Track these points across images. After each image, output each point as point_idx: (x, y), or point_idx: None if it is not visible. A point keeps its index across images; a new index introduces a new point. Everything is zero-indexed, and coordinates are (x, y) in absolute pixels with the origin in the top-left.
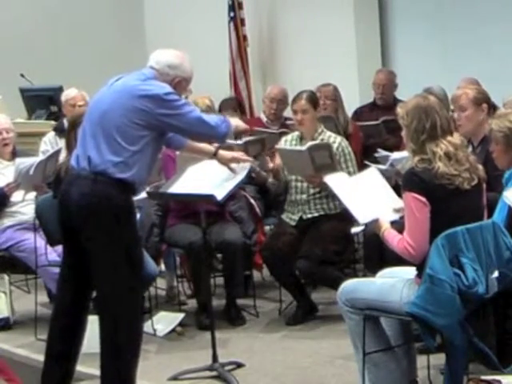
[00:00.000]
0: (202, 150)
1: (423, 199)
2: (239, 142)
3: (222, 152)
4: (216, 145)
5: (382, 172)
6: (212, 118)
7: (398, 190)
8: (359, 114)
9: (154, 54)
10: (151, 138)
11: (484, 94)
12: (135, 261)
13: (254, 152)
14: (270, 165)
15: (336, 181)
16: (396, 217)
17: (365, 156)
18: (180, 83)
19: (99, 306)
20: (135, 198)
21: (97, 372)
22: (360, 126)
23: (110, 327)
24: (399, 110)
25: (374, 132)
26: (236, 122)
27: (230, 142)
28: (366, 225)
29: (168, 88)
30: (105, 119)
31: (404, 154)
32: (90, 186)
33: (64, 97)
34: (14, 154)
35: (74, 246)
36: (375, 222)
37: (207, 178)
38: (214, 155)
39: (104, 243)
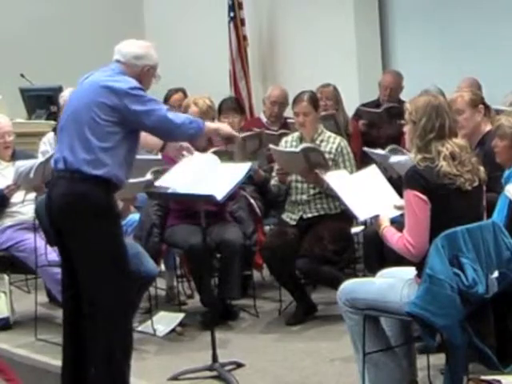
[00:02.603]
0: (150, 144)
1: (424, 198)
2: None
3: (169, 144)
4: (161, 143)
5: (380, 160)
6: (178, 117)
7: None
8: (362, 112)
9: (118, 47)
10: (124, 135)
11: (479, 95)
12: (119, 258)
13: (252, 148)
14: (277, 166)
15: (336, 178)
16: (397, 213)
17: (365, 155)
18: (149, 72)
19: (87, 306)
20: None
21: None
22: (363, 112)
23: (99, 327)
24: (408, 105)
25: (375, 119)
26: (221, 126)
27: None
28: (366, 225)
29: (134, 83)
30: (76, 117)
31: (401, 158)
32: (67, 186)
33: (62, 100)
34: (14, 155)
35: (64, 248)
36: (375, 218)
37: (207, 177)
38: (162, 149)
39: (84, 242)
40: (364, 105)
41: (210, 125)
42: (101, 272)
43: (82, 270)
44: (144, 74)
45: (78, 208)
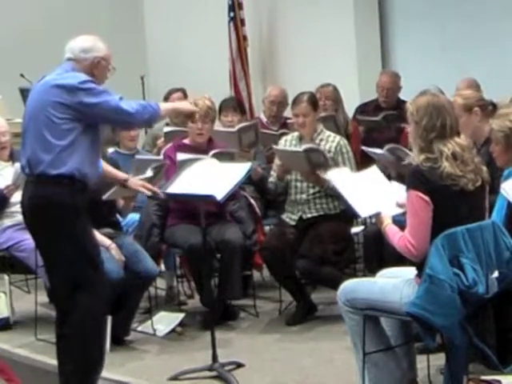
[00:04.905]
0: (115, 177)
1: (427, 198)
2: (232, 129)
3: (132, 179)
4: (125, 176)
5: (379, 158)
6: (131, 105)
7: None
8: (362, 113)
9: (67, 46)
10: (81, 131)
11: (473, 97)
12: (90, 254)
13: (248, 140)
14: (277, 162)
15: (338, 175)
16: (399, 211)
17: (365, 155)
18: (100, 63)
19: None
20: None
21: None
22: (361, 121)
23: (72, 341)
24: (409, 105)
25: (374, 126)
26: (178, 105)
27: (220, 129)
28: (366, 225)
29: (83, 77)
30: (33, 120)
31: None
32: (34, 189)
33: None
34: (12, 155)
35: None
36: (377, 215)
37: (207, 178)
38: (125, 182)
39: (52, 243)
40: (363, 104)
41: (167, 105)
42: (70, 275)
43: (52, 272)
44: (95, 66)
45: (44, 210)
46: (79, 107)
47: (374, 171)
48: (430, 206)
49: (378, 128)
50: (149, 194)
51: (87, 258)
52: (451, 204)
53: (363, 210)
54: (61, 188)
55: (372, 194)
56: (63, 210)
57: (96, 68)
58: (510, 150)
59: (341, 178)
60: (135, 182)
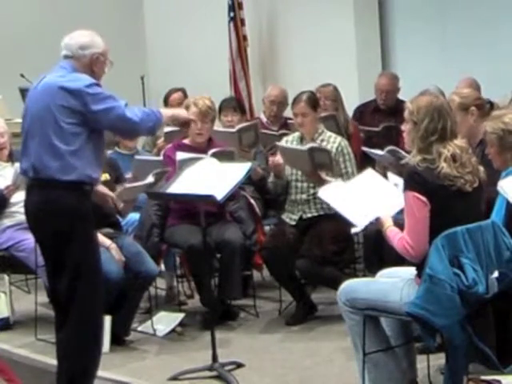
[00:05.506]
0: None
1: (424, 199)
2: (232, 129)
3: (96, 188)
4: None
5: (379, 159)
6: (136, 113)
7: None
8: (361, 114)
9: (62, 43)
10: (88, 135)
11: (470, 97)
12: (92, 257)
13: (248, 140)
14: (273, 159)
15: (330, 192)
16: (399, 209)
17: (365, 156)
18: (98, 59)
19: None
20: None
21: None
22: (361, 130)
23: (77, 325)
24: (409, 104)
25: (374, 135)
26: (176, 111)
27: (220, 129)
28: (366, 226)
29: (88, 80)
30: (37, 122)
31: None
32: (40, 193)
33: None
34: (11, 155)
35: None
36: (377, 219)
37: (207, 178)
38: None
39: (57, 245)
40: (362, 105)
41: (167, 112)
42: (72, 277)
43: (54, 274)
44: (94, 62)
45: (49, 215)
46: (84, 111)
47: (368, 173)
48: (428, 207)
49: (378, 139)
50: (112, 206)
51: (90, 261)
52: (448, 204)
53: (360, 220)
54: (68, 192)
55: (369, 200)
56: (70, 214)
57: (95, 65)
58: (505, 151)
59: (333, 193)
60: (99, 189)
